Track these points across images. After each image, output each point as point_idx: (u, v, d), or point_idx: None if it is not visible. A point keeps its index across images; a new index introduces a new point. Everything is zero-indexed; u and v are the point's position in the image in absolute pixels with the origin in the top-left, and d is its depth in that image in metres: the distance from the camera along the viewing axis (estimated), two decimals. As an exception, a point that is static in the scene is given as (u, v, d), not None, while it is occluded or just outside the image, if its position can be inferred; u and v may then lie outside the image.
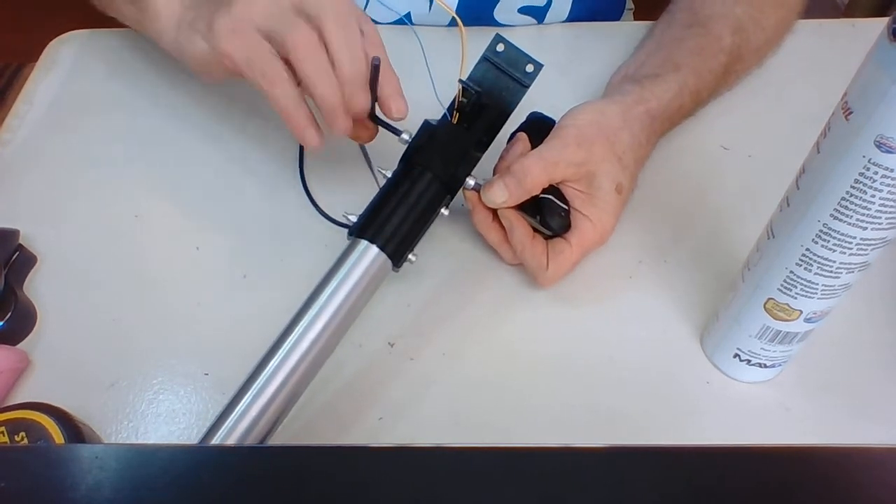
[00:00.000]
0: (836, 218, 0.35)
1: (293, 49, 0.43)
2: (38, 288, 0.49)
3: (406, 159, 0.45)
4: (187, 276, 0.51)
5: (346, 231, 0.45)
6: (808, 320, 0.40)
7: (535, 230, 0.48)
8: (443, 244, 0.52)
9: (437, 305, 0.49)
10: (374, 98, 0.45)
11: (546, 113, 0.51)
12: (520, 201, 0.46)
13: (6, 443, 0.38)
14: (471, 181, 0.46)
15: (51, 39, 0.66)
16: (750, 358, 0.44)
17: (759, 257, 0.40)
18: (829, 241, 0.36)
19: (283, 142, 0.58)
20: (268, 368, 0.39)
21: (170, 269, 0.51)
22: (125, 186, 0.56)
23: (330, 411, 0.44)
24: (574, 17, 0.69)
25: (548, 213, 0.47)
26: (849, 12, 1.31)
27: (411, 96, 0.48)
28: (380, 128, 0.47)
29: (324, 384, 0.43)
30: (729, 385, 0.46)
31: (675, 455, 0.26)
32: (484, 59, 0.48)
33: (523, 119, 0.51)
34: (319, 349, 0.40)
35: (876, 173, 0.32)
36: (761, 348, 0.43)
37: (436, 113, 0.47)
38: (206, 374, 0.46)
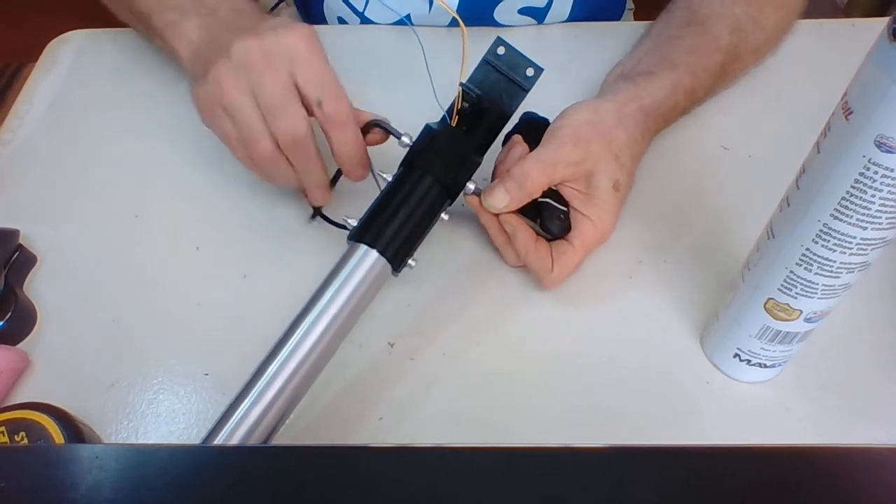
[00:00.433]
0: (836, 218, 0.35)
1: (254, 159, 0.46)
2: (38, 288, 0.49)
3: (406, 163, 0.45)
4: (187, 276, 0.51)
5: (346, 231, 0.45)
6: (808, 320, 0.40)
7: (536, 233, 0.48)
8: (443, 244, 0.52)
9: (437, 305, 0.49)
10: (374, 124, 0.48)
11: (545, 114, 0.51)
12: (521, 205, 0.46)
13: (6, 443, 0.38)
14: (471, 185, 0.46)
15: (51, 39, 0.66)
16: (750, 358, 0.44)
17: (759, 257, 0.40)
18: (829, 241, 0.36)
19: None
20: (267, 373, 0.39)
21: (170, 269, 0.51)
22: (125, 186, 0.56)
23: (330, 411, 0.44)
24: (574, 17, 0.69)
25: (547, 216, 0.47)
26: (849, 12, 1.31)
27: (411, 99, 0.48)
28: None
29: (324, 384, 0.43)
30: (729, 385, 0.46)
31: (675, 455, 0.26)
32: (484, 61, 0.48)
33: (517, 121, 0.51)
34: (319, 354, 0.40)
35: (876, 173, 0.32)
36: (761, 348, 0.43)
37: (436, 115, 0.47)
38: (206, 374, 0.46)
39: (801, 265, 0.37)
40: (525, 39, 0.67)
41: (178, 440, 0.43)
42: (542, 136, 0.48)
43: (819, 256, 0.36)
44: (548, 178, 0.46)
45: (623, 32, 0.64)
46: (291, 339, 0.40)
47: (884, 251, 0.36)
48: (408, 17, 0.67)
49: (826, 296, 0.38)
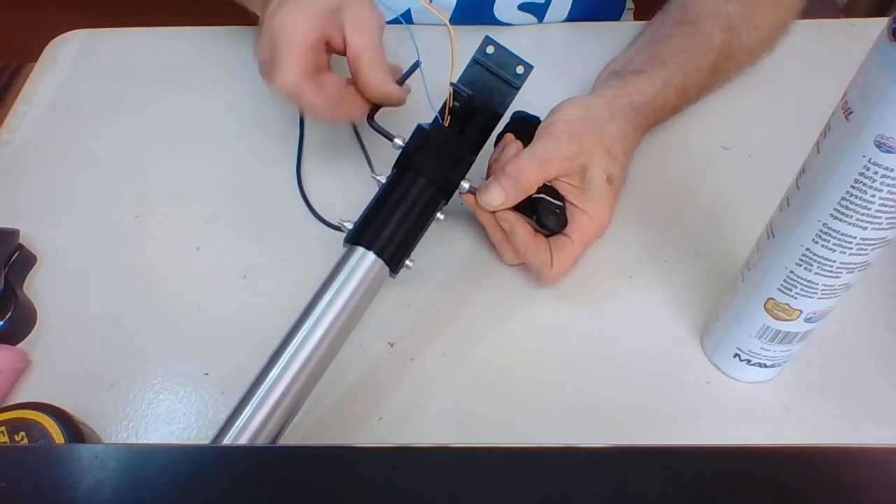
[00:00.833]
0: (836, 218, 0.35)
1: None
2: (38, 288, 0.49)
3: (400, 164, 0.45)
4: (187, 276, 0.51)
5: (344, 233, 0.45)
6: (808, 320, 0.40)
7: (533, 230, 0.48)
8: (442, 244, 0.52)
9: (437, 305, 0.49)
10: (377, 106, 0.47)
11: (543, 113, 0.51)
12: (517, 202, 0.46)
13: (6, 443, 0.38)
14: (465, 184, 0.46)
15: (51, 39, 0.66)
16: (750, 358, 0.44)
17: (759, 257, 0.40)
18: (829, 241, 0.36)
19: (283, 142, 0.58)
20: (269, 378, 0.39)
21: (170, 269, 0.51)
22: (125, 186, 0.56)
23: (330, 412, 0.44)
24: (574, 14, 0.69)
25: (543, 211, 0.47)
26: (849, 12, 1.32)
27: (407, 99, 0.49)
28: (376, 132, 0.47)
29: (324, 385, 0.43)
30: (729, 385, 0.46)
31: (675, 455, 0.26)
32: (474, 61, 0.48)
33: (508, 120, 0.51)
34: (319, 358, 0.40)
35: (876, 173, 0.32)
36: (761, 348, 0.43)
37: (430, 116, 0.47)
38: (206, 374, 0.46)
39: (801, 265, 0.37)
40: (524, 38, 0.67)
41: (178, 440, 0.43)
42: (533, 134, 0.48)
43: (819, 256, 0.36)
44: (543, 173, 0.46)
45: (622, 32, 0.64)
46: (292, 344, 0.39)
47: (884, 251, 0.36)
48: (407, 12, 0.67)
49: (826, 296, 0.38)
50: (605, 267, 0.51)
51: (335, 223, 0.48)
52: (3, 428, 0.38)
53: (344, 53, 0.48)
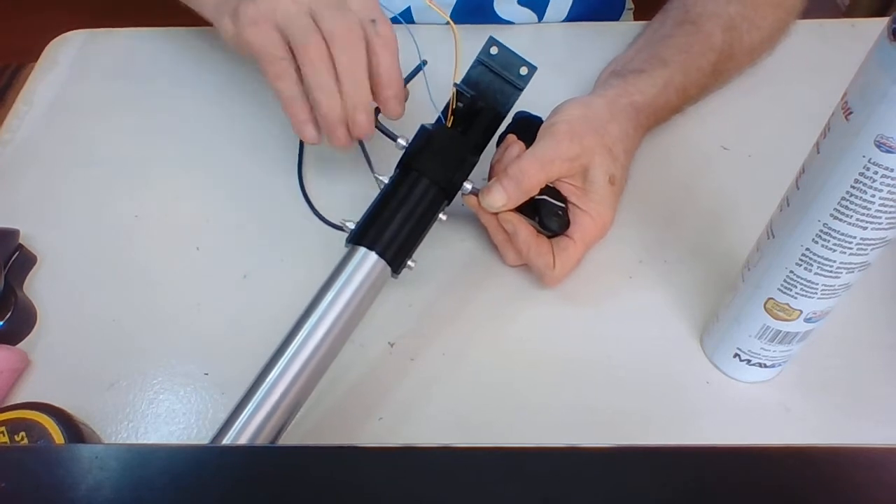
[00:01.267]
0: (836, 218, 0.35)
1: (304, 60, 0.45)
2: (38, 288, 0.49)
3: (402, 165, 0.45)
4: (187, 276, 0.51)
5: (345, 233, 0.45)
6: (808, 320, 0.40)
7: (536, 231, 0.48)
8: (443, 245, 0.52)
9: (438, 306, 0.49)
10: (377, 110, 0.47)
11: (543, 114, 0.51)
12: (519, 203, 0.46)
13: (6, 443, 0.38)
14: (468, 185, 0.46)
15: (51, 39, 0.66)
16: (750, 358, 0.44)
17: (759, 257, 0.40)
18: (829, 241, 0.36)
19: (284, 142, 0.58)
20: (270, 378, 0.39)
21: (170, 269, 0.51)
22: (125, 186, 0.56)
23: (330, 411, 0.44)
24: (575, 12, 0.69)
25: (545, 213, 0.47)
26: (849, 12, 1.32)
27: (409, 100, 0.48)
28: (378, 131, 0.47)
29: (324, 385, 0.43)
30: (729, 385, 0.46)
31: (675, 455, 0.26)
32: (478, 62, 0.48)
33: (510, 120, 0.51)
34: (320, 358, 0.40)
35: (876, 173, 0.32)
36: (761, 348, 0.43)
37: (433, 117, 0.47)
38: (206, 374, 0.46)
39: (801, 265, 0.37)
40: (524, 38, 0.67)
41: (178, 440, 0.43)
42: (536, 135, 0.48)
43: (819, 256, 0.36)
44: (545, 174, 0.46)
45: (622, 32, 0.64)
46: (293, 344, 0.39)
47: (884, 251, 0.36)
48: (408, 10, 0.67)
49: (826, 296, 0.38)
50: (605, 267, 0.51)
51: (337, 223, 0.48)
52: (3, 428, 0.38)
53: None
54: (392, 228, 0.43)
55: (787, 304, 0.40)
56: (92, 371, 0.46)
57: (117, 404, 0.44)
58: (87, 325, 0.48)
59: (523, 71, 0.48)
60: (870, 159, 0.32)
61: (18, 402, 0.41)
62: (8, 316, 0.46)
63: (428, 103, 0.46)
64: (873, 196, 0.33)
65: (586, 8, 0.69)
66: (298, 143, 0.57)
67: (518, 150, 0.48)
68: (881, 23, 0.31)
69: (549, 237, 0.48)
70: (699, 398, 0.45)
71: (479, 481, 0.25)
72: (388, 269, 0.43)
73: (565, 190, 0.48)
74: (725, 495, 0.25)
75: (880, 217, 0.33)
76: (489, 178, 0.49)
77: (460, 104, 0.47)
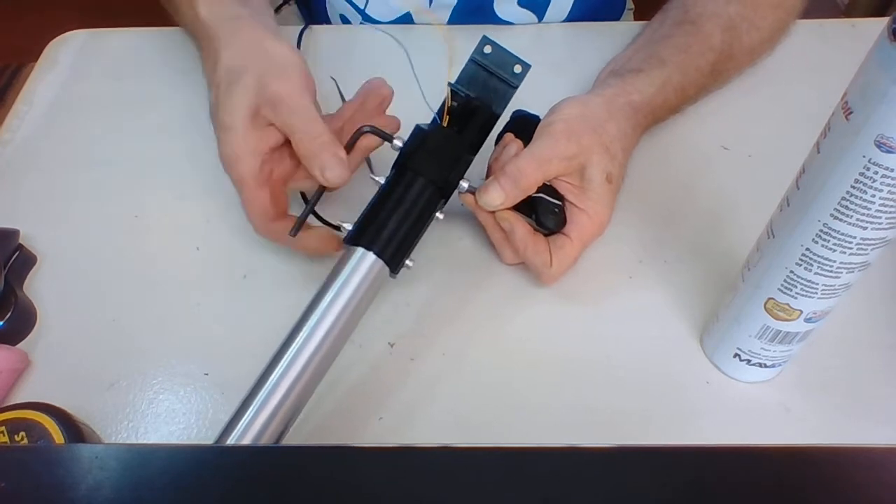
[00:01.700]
0: (836, 218, 0.35)
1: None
2: (38, 288, 0.49)
3: (399, 165, 0.45)
4: (187, 276, 0.51)
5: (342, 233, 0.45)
6: (808, 320, 0.40)
7: (533, 229, 0.48)
8: (441, 244, 0.52)
9: (436, 305, 0.49)
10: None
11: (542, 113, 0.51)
12: (516, 202, 0.46)
13: (6, 443, 0.38)
14: (464, 184, 0.46)
15: (51, 39, 0.66)
16: (750, 358, 0.44)
17: (759, 257, 0.40)
18: (829, 241, 0.36)
19: (283, 142, 0.58)
20: (271, 380, 0.39)
21: (170, 269, 0.51)
22: (125, 186, 0.56)
23: (330, 412, 0.44)
24: (575, 13, 0.69)
25: (542, 211, 0.47)
26: (849, 12, 1.32)
27: (404, 100, 0.49)
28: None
29: (324, 385, 0.43)
30: (729, 385, 0.46)
31: (675, 455, 0.26)
32: (472, 61, 0.48)
33: (508, 119, 0.51)
34: (320, 359, 0.40)
35: (876, 173, 0.32)
36: (761, 348, 0.43)
37: (428, 117, 0.47)
38: (206, 374, 0.46)
39: (801, 265, 0.37)
40: (524, 38, 0.67)
41: (178, 440, 0.43)
42: (533, 133, 0.48)
43: (819, 256, 0.36)
44: (542, 173, 0.46)
45: (622, 32, 0.64)
46: (293, 346, 0.39)
47: (884, 251, 0.36)
48: (407, 14, 0.67)
49: (826, 296, 0.38)
50: (604, 267, 0.51)
51: (335, 223, 0.48)
52: (3, 428, 0.38)
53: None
54: (390, 228, 0.43)
55: (788, 304, 0.40)
56: (92, 371, 0.46)
57: (117, 404, 0.44)
58: (87, 325, 0.48)
59: (517, 69, 0.48)
60: (870, 159, 0.32)
61: (18, 402, 0.41)
62: (8, 316, 0.46)
63: (423, 104, 0.46)
64: (873, 196, 0.33)
65: (586, 8, 0.69)
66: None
67: (516, 148, 0.48)
68: (881, 23, 0.31)
69: (545, 235, 0.48)
70: (699, 398, 0.45)
71: (479, 481, 0.25)
72: (387, 268, 0.43)
73: (562, 188, 0.48)
74: (725, 495, 0.25)
75: (880, 217, 0.33)
76: (486, 177, 0.49)
77: (455, 103, 0.47)
